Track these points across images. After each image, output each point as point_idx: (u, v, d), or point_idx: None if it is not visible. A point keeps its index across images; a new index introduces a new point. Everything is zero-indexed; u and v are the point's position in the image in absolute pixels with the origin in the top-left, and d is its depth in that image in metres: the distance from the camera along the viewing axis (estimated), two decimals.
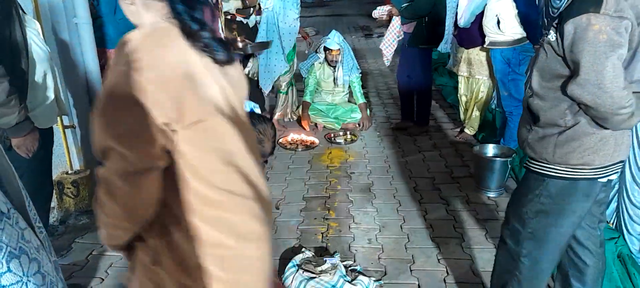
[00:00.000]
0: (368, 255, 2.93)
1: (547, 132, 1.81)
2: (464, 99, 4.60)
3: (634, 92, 1.67)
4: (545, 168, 1.85)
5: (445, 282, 2.67)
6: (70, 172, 3.42)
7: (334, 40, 5.00)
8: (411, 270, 2.77)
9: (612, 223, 2.78)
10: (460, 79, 4.58)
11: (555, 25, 1.73)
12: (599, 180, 1.82)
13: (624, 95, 1.59)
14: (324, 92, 5.26)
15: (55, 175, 3.36)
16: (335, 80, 5.16)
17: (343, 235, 3.16)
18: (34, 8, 3.02)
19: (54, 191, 3.33)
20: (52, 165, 2.36)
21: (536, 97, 1.85)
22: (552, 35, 1.73)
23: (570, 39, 1.64)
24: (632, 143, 2.52)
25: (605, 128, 1.71)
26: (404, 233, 3.14)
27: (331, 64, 5.10)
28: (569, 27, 1.64)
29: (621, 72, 1.59)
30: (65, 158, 3.40)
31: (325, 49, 5.07)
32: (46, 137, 2.21)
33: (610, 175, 1.84)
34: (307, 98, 5.17)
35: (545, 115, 1.82)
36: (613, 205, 2.77)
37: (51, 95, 2.16)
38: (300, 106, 5.27)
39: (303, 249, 2.86)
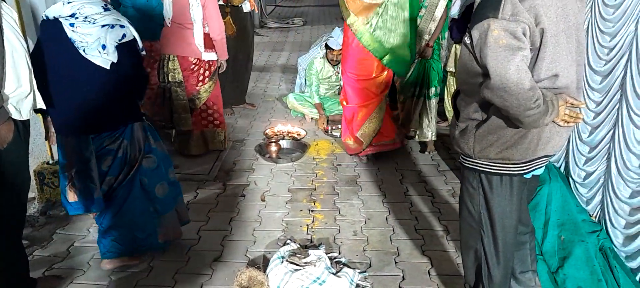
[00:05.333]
0: (353, 247, 2.92)
1: (467, 126, 1.90)
2: (452, 90, 4.58)
3: (548, 89, 1.72)
4: (472, 163, 1.95)
5: (429, 274, 2.67)
6: (51, 162, 3.36)
7: (337, 40, 4.95)
8: (396, 262, 2.77)
9: (595, 217, 2.80)
10: (449, 74, 4.54)
11: (468, 28, 1.80)
12: (524, 175, 1.91)
13: (529, 96, 1.63)
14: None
15: (35, 166, 3.30)
16: (334, 77, 5.12)
17: (328, 227, 3.15)
18: None
19: (35, 182, 3.27)
20: (28, 157, 2.30)
21: (461, 93, 1.96)
22: (467, 38, 1.80)
23: (477, 44, 1.72)
24: (617, 137, 2.54)
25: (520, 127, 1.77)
26: (389, 226, 3.14)
27: (331, 62, 5.06)
28: (474, 33, 1.72)
29: (526, 74, 1.64)
30: (46, 148, 3.34)
31: (327, 46, 5.02)
32: (22, 128, 2.15)
33: (535, 170, 1.92)
34: (317, 99, 5.01)
35: (464, 110, 1.92)
36: (597, 198, 2.79)
37: (27, 87, 2.09)
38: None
39: (288, 241, 2.84)
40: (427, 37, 3.97)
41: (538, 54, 1.71)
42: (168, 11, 3.79)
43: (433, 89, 4.15)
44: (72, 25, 2.32)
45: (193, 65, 3.89)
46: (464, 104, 1.93)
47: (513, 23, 1.64)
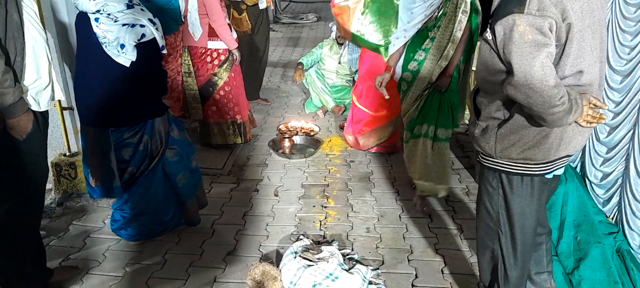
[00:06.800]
0: (366, 244, 2.92)
1: (488, 125, 1.87)
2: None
3: (572, 86, 1.69)
4: (493, 163, 1.92)
5: (442, 273, 2.66)
6: (67, 153, 3.40)
7: None
8: (409, 260, 2.76)
9: (612, 218, 2.76)
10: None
11: (490, 24, 1.75)
12: (545, 176, 1.88)
13: (554, 93, 1.60)
14: (327, 71, 5.20)
15: (52, 157, 3.34)
16: (342, 61, 5.13)
17: (341, 223, 3.14)
18: None
19: (52, 173, 3.31)
20: (47, 148, 2.33)
21: (480, 91, 1.92)
22: (488, 34, 1.75)
23: (501, 40, 1.67)
24: (637, 137, 2.50)
25: (543, 125, 1.74)
26: (403, 223, 3.13)
27: (338, 40, 5.08)
28: (498, 28, 1.68)
29: (551, 71, 1.60)
30: (63, 140, 3.38)
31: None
32: (41, 119, 2.18)
33: (556, 170, 1.89)
34: (303, 60, 5.21)
35: (486, 109, 1.88)
36: (614, 199, 2.75)
37: (46, 78, 2.12)
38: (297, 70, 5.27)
39: (301, 237, 2.84)
40: (444, 63, 3.04)
41: (563, 50, 1.67)
42: (181, 6, 3.93)
43: (432, 128, 3.10)
44: (97, 20, 2.39)
45: (201, 54, 4.01)
46: (485, 102, 1.89)
47: (539, 18, 1.59)
